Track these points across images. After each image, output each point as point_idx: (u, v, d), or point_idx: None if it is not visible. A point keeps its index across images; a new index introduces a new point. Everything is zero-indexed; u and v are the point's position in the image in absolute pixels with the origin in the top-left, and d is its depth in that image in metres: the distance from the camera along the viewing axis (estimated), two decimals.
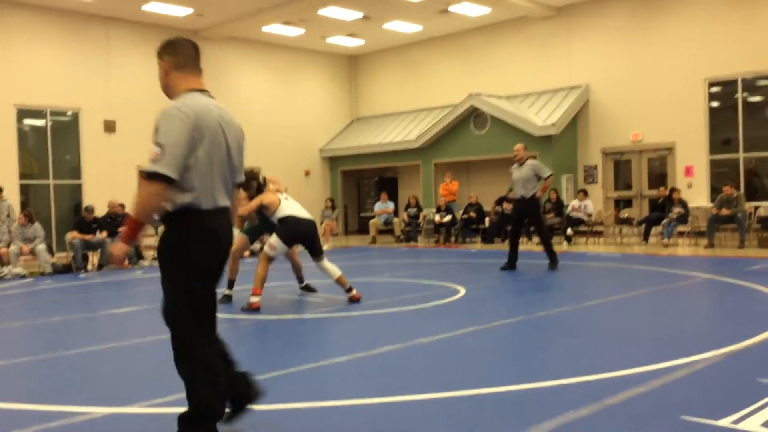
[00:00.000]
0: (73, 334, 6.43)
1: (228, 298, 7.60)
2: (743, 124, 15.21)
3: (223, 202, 3.12)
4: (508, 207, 15.89)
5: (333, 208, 18.16)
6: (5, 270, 11.67)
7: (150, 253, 14.05)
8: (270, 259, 7.14)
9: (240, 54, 20.04)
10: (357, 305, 7.03)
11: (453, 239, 16.58)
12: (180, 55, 3.24)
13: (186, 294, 3.02)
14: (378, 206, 18.19)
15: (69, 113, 16.71)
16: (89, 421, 3.62)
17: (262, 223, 7.52)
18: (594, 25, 17.27)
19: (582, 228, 15.29)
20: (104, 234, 12.81)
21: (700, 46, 15.53)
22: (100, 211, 13.77)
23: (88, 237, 12.66)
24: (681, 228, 13.81)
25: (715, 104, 15.71)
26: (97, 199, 14.94)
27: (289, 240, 7.18)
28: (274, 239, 7.12)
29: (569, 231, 14.88)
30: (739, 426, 3.15)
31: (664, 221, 13.53)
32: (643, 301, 7.17)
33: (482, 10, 17.71)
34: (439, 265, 11.45)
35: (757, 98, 15.22)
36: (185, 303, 3.03)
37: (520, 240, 10.66)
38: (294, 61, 21.29)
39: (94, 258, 13.14)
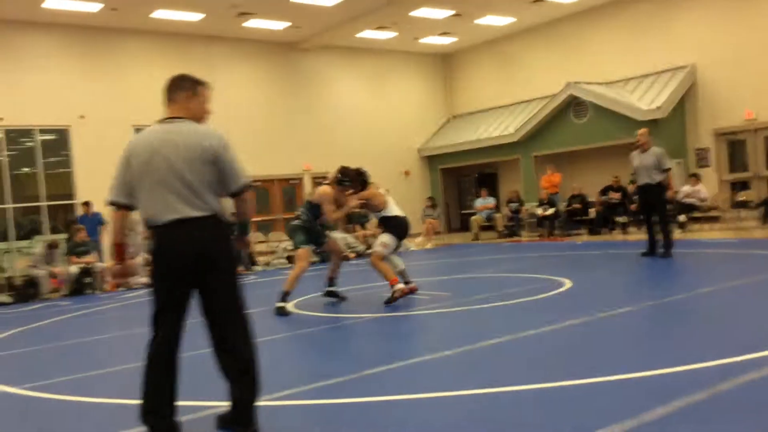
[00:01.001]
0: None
1: (281, 310, 7.37)
2: None
3: (177, 215, 3.35)
4: (614, 196, 15.47)
5: (434, 206, 18.29)
6: (131, 280, 12.57)
7: (262, 259, 14.69)
8: (383, 258, 7.30)
9: (336, 61, 20.57)
10: (460, 301, 7.11)
11: (557, 232, 16.31)
12: (165, 92, 3.59)
13: (153, 295, 3.43)
14: (479, 202, 18.16)
15: None
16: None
17: (319, 233, 7.71)
18: (695, 2, 16.50)
19: (696, 214, 14.65)
20: None
21: None
22: None
23: None
24: None
25: None
26: None
27: (400, 237, 7.43)
28: (387, 238, 7.29)
29: (682, 217, 14.30)
30: None
31: None
32: (759, 287, 6.85)
33: None
34: (543, 258, 11.34)
35: None
36: (152, 303, 3.42)
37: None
38: (388, 64, 21.61)
39: None
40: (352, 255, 14.67)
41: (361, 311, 7.32)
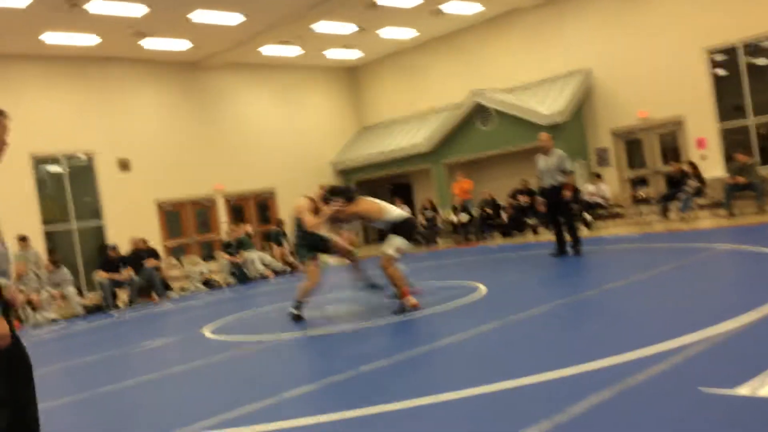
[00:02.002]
0: (109, 370, 6.61)
1: (296, 317, 7.51)
2: (750, 89, 15.12)
3: None
4: (523, 199, 15.93)
5: None
6: (38, 317, 11.95)
7: (177, 284, 14.31)
8: (395, 261, 7.07)
9: (241, 79, 20.32)
10: (377, 312, 7.11)
11: (472, 237, 16.64)
12: None
13: None
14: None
15: (83, 156, 17.05)
16: None
17: (316, 241, 7.64)
18: (587, 8, 17.29)
19: (600, 212, 15.27)
20: (130, 270, 13.06)
21: (696, 15, 15.49)
22: (124, 249, 14.04)
23: (115, 276, 12.93)
24: (699, 200, 13.75)
25: (719, 72, 15.64)
26: (120, 237, 15.23)
27: (412, 238, 7.33)
28: (401, 241, 7.01)
29: (587, 216, 14.86)
30: (759, 393, 3.20)
31: (681, 196, 13.49)
32: (663, 279, 7.20)
33: (475, 8, 17.82)
34: (459, 264, 11.53)
35: (761, 61, 15.13)
36: None
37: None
38: (296, 79, 21.53)
39: (123, 295, 13.39)
40: (270, 274, 14.48)
41: (280, 331, 7.20)
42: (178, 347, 7.51)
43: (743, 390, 3.26)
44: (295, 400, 4.33)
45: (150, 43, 16.65)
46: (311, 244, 7.66)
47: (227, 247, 14.44)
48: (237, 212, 19.89)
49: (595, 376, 3.86)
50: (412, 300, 6.94)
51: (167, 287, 13.60)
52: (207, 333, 7.80)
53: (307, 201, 7.66)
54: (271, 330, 7.44)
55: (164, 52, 17.59)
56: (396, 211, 7.22)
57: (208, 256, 17.62)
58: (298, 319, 7.45)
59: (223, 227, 18.18)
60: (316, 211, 7.50)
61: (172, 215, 18.69)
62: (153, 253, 13.86)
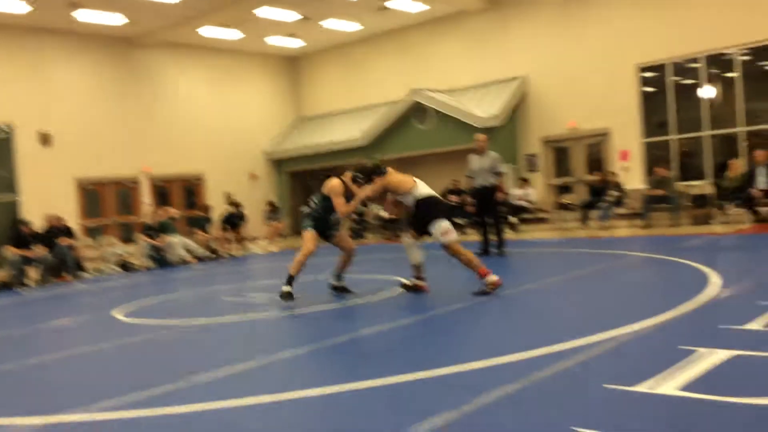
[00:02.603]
0: (12, 348, 6.30)
1: (287, 295, 7.03)
2: (675, 107, 15.75)
3: None
4: (454, 199, 16.10)
5: (275, 211, 17.92)
6: None
7: (91, 265, 13.81)
8: (458, 242, 6.71)
9: (178, 59, 19.81)
10: (300, 303, 7.04)
11: (401, 234, 16.68)
12: None
13: None
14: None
15: (2, 127, 16.25)
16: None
17: (326, 224, 7.27)
18: (528, 17, 17.63)
19: (525, 215, 15.60)
20: (42, 248, 12.52)
21: (629, 33, 16.01)
22: (39, 226, 13.44)
23: (27, 252, 12.36)
24: (618, 210, 14.23)
25: (647, 89, 16.22)
26: (36, 213, 14.58)
27: (449, 216, 6.83)
28: (444, 225, 6.61)
29: (513, 219, 15.16)
30: (657, 391, 3.31)
31: (602, 204, 13.92)
32: (578, 281, 7.41)
33: (420, 7, 17.90)
34: (385, 259, 11.55)
35: (687, 81, 15.77)
36: None
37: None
38: (233, 64, 21.14)
39: (33, 273, 12.82)
40: (193, 260, 14.16)
41: (198, 316, 7.04)
42: (87, 328, 7.23)
43: (642, 387, 3.36)
44: (203, 385, 4.22)
45: (84, 15, 15.99)
46: (320, 224, 7.25)
47: (148, 229, 14.02)
48: (162, 195, 19.37)
49: (505, 370, 3.92)
50: (494, 278, 6.49)
51: (81, 267, 13.09)
52: (118, 315, 7.54)
53: (339, 182, 7.12)
54: (186, 315, 7.26)
55: (98, 25, 16.96)
56: (425, 188, 6.85)
57: (128, 239, 17.10)
58: (288, 297, 6.98)
59: (146, 209, 17.67)
60: (346, 193, 7.09)
61: (91, 194, 18.04)
62: (67, 232, 13.32)
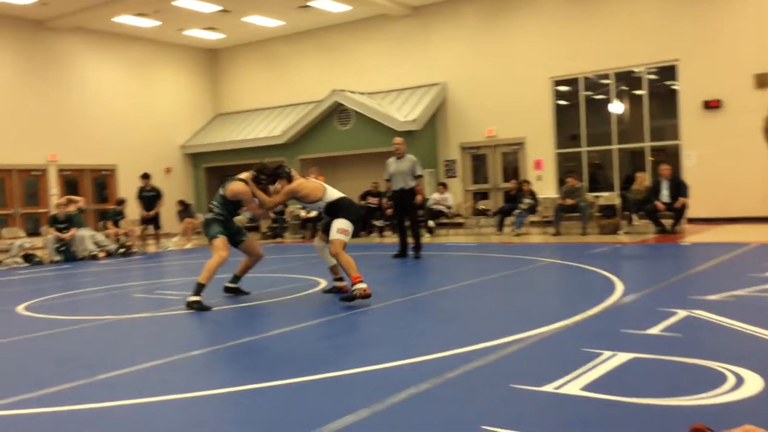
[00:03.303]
0: None
1: (196, 304, 6.52)
2: (586, 121, 16.41)
3: None
4: (373, 201, 16.20)
5: (186, 208, 17.19)
6: None
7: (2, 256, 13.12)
8: (345, 245, 6.54)
9: (91, 45, 19.06)
10: (213, 301, 6.91)
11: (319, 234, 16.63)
12: None
13: None
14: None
15: None
16: None
17: (233, 229, 7.00)
18: (449, 25, 17.97)
19: (443, 220, 15.88)
20: None
21: (545, 46, 16.58)
22: None
23: None
24: (531, 217, 14.70)
25: (561, 102, 16.84)
26: None
27: (356, 220, 6.73)
28: (344, 223, 6.53)
29: (431, 223, 15.40)
30: (561, 390, 3.44)
31: (516, 212, 14.34)
32: (491, 285, 7.61)
33: (343, 7, 17.93)
34: (304, 259, 11.49)
35: (598, 96, 16.47)
36: None
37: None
38: (150, 54, 20.53)
39: None
40: (102, 254, 13.65)
41: (104, 313, 6.79)
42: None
43: (548, 387, 3.49)
44: (108, 382, 4.07)
45: None
46: (229, 230, 6.93)
47: (55, 221, 13.40)
48: (71, 186, 18.58)
49: (416, 369, 3.98)
50: (362, 286, 6.30)
51: None
52: (20, 309, 7.18)
53: (244, 186, 6.80)
54: (93, 311, 6.99)
55: (6, 4, 16.09)
56: (335, 192, 6.76)
57: (34, 231, 16.30)
58: (199, 307, 6.45)
59: (53, 200, 16.90)
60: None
61: None
62: None
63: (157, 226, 15.31)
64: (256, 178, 6.85)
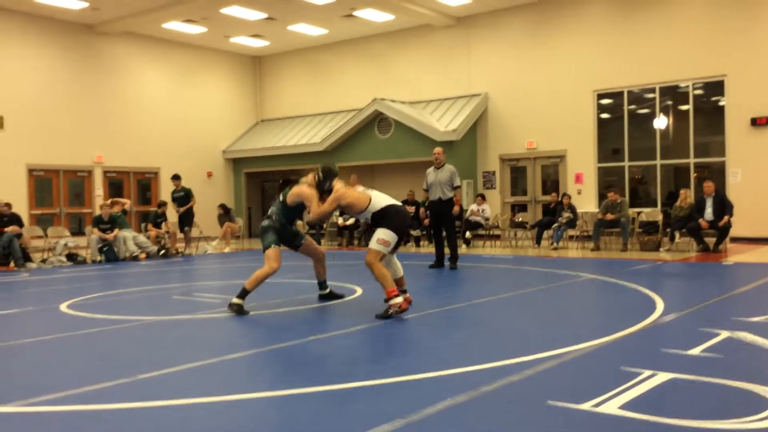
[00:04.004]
0: None
1: (237, 308, 6.57)
2: (629, 135, 16.19)
3: None
4: (409, 209, 16.20)
5: (227, 212, 17.36)
6: None
7: (38, 256, 13.47)
8: (384, 257, 6.27)
9: (139, 50, 19.51)
10: (254, 305, 6.98)
11: (356, 242, 16.73)
12: None
13: None
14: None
15: None
16: None
17: (289, 234, 6.92)
18: (492, 37, 17.92)
19: (480, 231, 15.80)
20: None
21: (589, 59, 16.43)
22: None
23: None
24: (570, 232, 14.53)
25: (603, 115, 16.64)
26: None
27: (401, 230, 6.33)
28: (385, 234, 6.20)
29: (468, 234, 15.34)
30: (599, 409, 3.40)
31: (554, 225, 14.19)
32: (528, 299, 7.55)
33: (386, 17, 18.03)
34: (340, 266, 11.54)
35: (642, 110, 16.24)
36: None
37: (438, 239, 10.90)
38: (196, 60, 20.92)
39: None
40: (143, 256, 13.92)
41: (145, 313, 6.93)
42: (31, 318, 7.04)
43: (585, 405, 3.45)
44: (149, 382, 4.16)
45: None
46: (287, 236, 6.88)
47: (99, 222, 13.72)
48: (116, 188, 19.01)
49: (452, 382, 3.97)
50: (398, 301, 6.08)
51: (27, 257, 12.74)
52: (63, 308, 7.37)
53: (309, 189, 6.63)
54: (133, 312, 7.13)
55: (58, 8, 16.59)
56: (381, 199, 6.41)
57: (78, 231, 16.71)
58: (239, 310, 6.52)
59: (98, 201, 17.30)
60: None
61: (43, 182, 17.61)
62: (16, 219, 12.94)
63: (187, 226, 15.25)
64: (320, 182, 6.62)
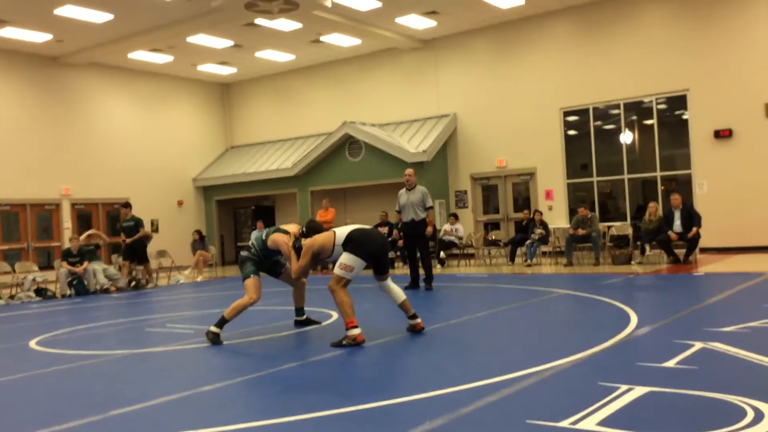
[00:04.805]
0: None
1: (214, 336, 6.50)
2: (596, 150, 16.43)
3: None
4: (382, 231, 16.19)
5: (201, 239, 17.29)
6: None
7: (6, 292, 13.18)
8: (347, 283, 6.15)
9: (104, 80, 19.36)
10: (227, 334, 6.89)
11: (331, 265, 16.60)
12: None
13: None
14: (255, 235, 17.91)
15: None
16: None
17: (271, 265, 6.97)
18: (459, 58, 18.13)
19: (454, 251, 15.84)
20: None
21: (555, 78, 16.69)
22: None
23: None
24: (543, 248, 14.64)
25: (570, 132, 16.88)
26: None
27: (366, 255, 6.13)
28: (348, 259, 6.06)
29: (442, 254, 15.36)
30: (578, 426, 3.40)
31: (527, 242, 14.29)
32: (504, 317, 7.56)
33: (353, 41, 18.16)
34: (314, 291, 11.46)
35: (608, 126, 16.50)
36: None
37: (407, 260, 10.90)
38: (163, 88, 20.82)
39: None
40: (114, 288, 13.69)
41: (117, 347, 6.79)
42: None
43: (564, 422, 3.44)
44: (121, 418, 4.06)
45: (6, 32, 15.51)
46: (263, 265, 6.89)
47: (68, 255, 13.48)
48: (84, 220, 18.72)
49: (431, 404, 3.94)
50: (355, 332, 5.94)
51: None
52: (33, 344, 7.19)
53: (285, 237, 6.61)
54: (106, 346, 6.99)
55: (21, 42, 16.43)
56: (344, 230, 6.28)
57: (47, 265, 16.40)
58: (215, 339, 6.46)
59: (67, 234, 17.02)
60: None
61: (9, 216, 17.28)
62: None
63: (139, 260, 14.14)
64: (304, 234, 6.54)
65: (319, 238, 6.34)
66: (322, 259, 6.64)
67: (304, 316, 7.36)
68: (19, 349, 7.02)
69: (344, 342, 5.95)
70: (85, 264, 13.37)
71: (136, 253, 14.12)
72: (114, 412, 4.16)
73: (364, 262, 6.15)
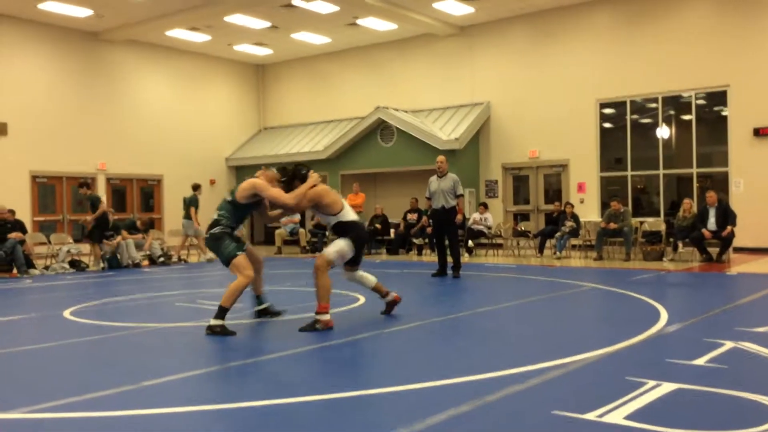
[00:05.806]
0: None
1: (218, 329, 5.91)
2: (631, 144, 16.20)
3: None
4: (411, 217, 16.20)
5: None
6: None
7: (41, 262, 13.48)
8: (332, 267, 6.08)
9: (142, 58, 19.57)
10: (248, 313, 6.97)
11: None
12: None
13: None
14: (284, 217, 18.03)
15: None
16: None
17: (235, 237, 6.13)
18: (495, 46, 17.96)
19: (482, 240, 15.78)
20: None
21: (592, 69, 16.45)
22: None
23: None
24: (573, 241, 14.51)
25: (606, 125, 16.65)
26: None
27: (359, 247, 6.20)
28: (345, 245, 6.06)
29: (470, 243, 15.32)
30: (604, 419, 3.39)
31: (557, 234, 14.17)
32: (531, 308, 7.53)
33: (389, 26, 18.08)
34: (340, 275, 11.53)
35: (645, 120, 16.25)
36: None
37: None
38: (200, 68, 20.98)
39: None
40: (145, 263, 13.92)
41: (148, 320, 6.92)
42: (33, 325, 7.04)
43: (590, 415, 3.44)
44: (153, 389, 4.15)
45: (49, 6, 15.74)
46: (234, 236, 6.08)
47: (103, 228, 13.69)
48: (119, 195, 19.03)
49: (456, 391, 3.96)
50: (325, 318, 5.94)
51: (30, 264, 12.74)
52: (67, 314, 7.37)
53: (254, 179, 6.09)
54: (135, 318, 7.13)
55: (62, 16, 16.67)
56: (351, 213, 6.29)
57: (81, 237, 16.71)
58: (224, 331, 5.86)
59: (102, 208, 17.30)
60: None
61: (46, 188, 17.63)
62: (19, 226, 12.95)
63: (97, 239, 13.24)
64: (292, 177, 6.18)
65: (334, 195, 6.20)
66: (303, 214, 6.37)
67: (267, 304, 6.73)
68: (53, 319, 7.20)
69: (317, 326, 5.92)
70: (119, 238, 13.61)
71: (102, 231, 13.25)
72: (146, 383, 4.26)
73: (354, 253, 6.23)
